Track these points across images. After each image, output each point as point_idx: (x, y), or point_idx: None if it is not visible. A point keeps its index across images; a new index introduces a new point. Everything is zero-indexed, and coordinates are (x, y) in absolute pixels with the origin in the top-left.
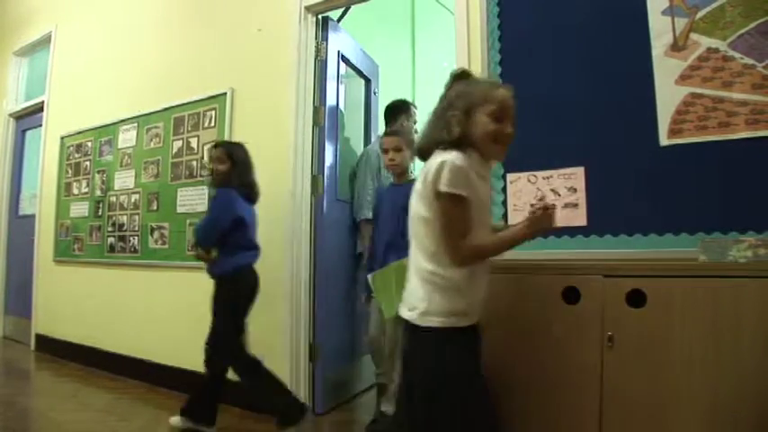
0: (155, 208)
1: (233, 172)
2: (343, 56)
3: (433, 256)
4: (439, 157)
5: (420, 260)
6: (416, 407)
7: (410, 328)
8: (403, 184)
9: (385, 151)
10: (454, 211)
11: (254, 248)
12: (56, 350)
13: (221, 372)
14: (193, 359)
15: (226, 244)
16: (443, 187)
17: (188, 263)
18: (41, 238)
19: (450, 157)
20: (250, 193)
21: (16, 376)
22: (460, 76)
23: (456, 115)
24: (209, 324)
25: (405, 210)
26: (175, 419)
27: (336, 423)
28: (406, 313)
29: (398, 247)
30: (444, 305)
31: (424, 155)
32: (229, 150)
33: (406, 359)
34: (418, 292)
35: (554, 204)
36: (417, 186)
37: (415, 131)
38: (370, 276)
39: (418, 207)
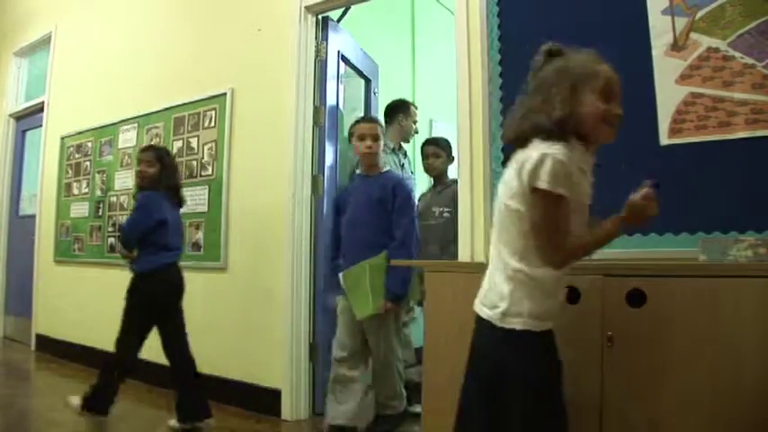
0: None
1: (162, 175)
2: (343, 56)
3: (520, 254)
4: (539, 149)
5: (505, 256)
6: (489, 407)
7: (487, 325)
8: (375, 175)
9: (361, 138)
10: (552, 210)
11: (174, 249)
12: (56, 350)
13: (185, 360)
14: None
15: (147, 244)
16: (542, 184)
17: (187, 263)
18: (42, 239)
19: (553, 150)
20: (176, 197)
21: (16, 376)
22: (555, 53)
23: (560, 94)
24: (207, 323)
25: (381, 203)
26: (173, 422)
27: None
28: (483, 311)
29: (374, 243)
30: (526, 306)
31: (520, 143)
32: (159, 154)
33: (477, 357)
34: (500, 289)
35: (656, 184)
36: (509, 179)
37: (415, 131)
38: (341, 275)
39: (509, 200)
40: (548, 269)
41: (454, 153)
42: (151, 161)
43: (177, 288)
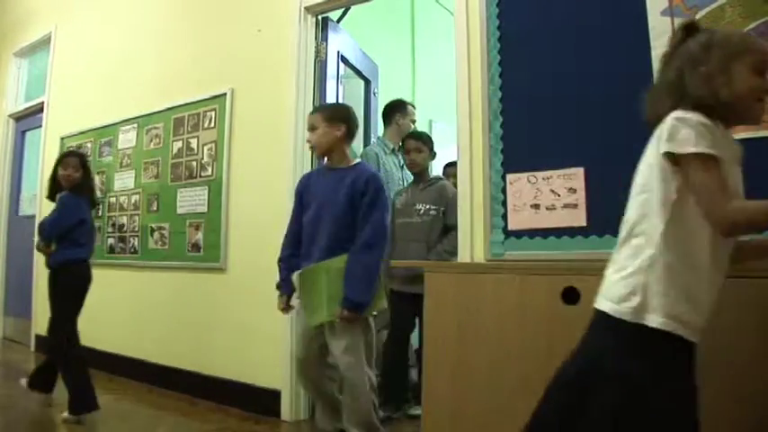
0: (155, 209)
1: (83, 179)
2: (342, 56)
3: (653, 241)
4: (673, 115)
5: (636, 244)
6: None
7: (603, 318)
8: (346, 168)
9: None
10: (701, 173)
11: (88, 245)
12: None
13: (73, 352)
14: (193, 360)
15: (65, 239)
16: (680, 148)
17: (187, 263)
18: None
19: (688, 114)
20: (92, 199)
21: (16, 377)
22: (693, 29)
23: (709, 71)
24: (207, 324)
25: (350, 199)
26: (65, 415)
27: None
28: (605, 304)
29: (340, 243)
30: (662, 303)
31: (659, 122)
32: (83, 160)
33: (590, 357)
34: (631, 280)
35: None
36: (649, 156)
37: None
38: (296, 274)
39: (645, 178)
40: (697, 264)
41: (453, 153)
42: (77, 166)
43: (88, 281)
